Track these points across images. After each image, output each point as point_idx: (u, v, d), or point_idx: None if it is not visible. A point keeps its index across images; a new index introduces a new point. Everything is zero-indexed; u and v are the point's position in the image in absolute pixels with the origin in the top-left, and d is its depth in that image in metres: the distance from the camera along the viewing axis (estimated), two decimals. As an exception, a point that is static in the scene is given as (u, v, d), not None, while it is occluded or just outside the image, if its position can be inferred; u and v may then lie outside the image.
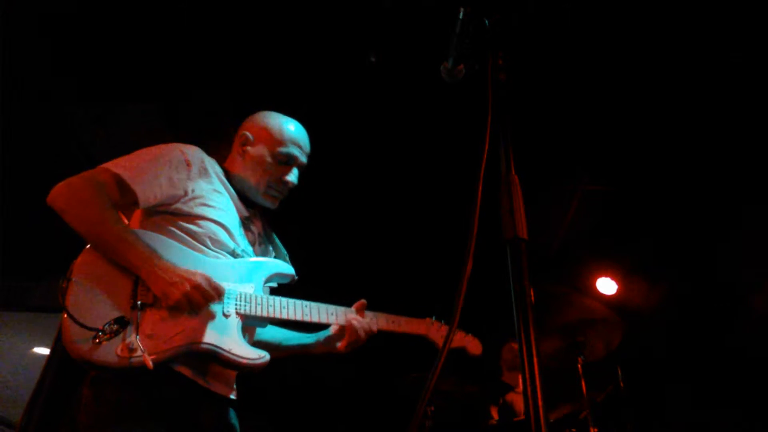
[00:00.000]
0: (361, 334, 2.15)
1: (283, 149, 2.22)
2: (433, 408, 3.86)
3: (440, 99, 3.83)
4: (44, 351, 4.48)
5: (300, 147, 2.27)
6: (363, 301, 2.25)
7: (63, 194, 1.87)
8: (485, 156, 1.33)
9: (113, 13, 3.58)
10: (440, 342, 2.37)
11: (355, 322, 2.16)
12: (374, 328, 2.21)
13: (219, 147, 2.34)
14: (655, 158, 4.61)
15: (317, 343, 2.26)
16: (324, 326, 2.22)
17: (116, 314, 1.73)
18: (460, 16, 1.50)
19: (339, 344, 2.20)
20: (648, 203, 4.99)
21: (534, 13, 3.44)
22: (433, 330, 2.39)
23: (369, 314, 2.24)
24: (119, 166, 1.94)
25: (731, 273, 5.12)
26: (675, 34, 3.70)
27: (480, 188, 1.30)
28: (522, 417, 3.62)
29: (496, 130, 1.34)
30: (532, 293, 1.13)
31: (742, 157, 4.46)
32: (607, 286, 5.57)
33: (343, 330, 2.19)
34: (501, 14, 1.50)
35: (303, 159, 2.29)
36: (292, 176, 2.25)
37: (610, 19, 3.66)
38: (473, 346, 2.53)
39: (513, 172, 1.28)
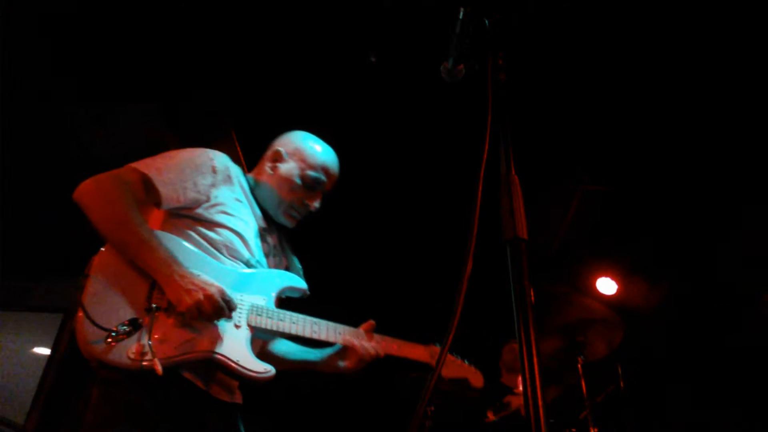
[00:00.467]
0: (366, 357, 2.13)
1: (312, 173, 2.24)
2: (433, 408, 3.86)
3: (440, 99, 3.83)
4: (44, 351, 4.48)
5: (329, 175, 2.29)
6: (372, 321, 2.23)
7: (90, 191, 1.87)
8: (485, 156, 1.33)
9: (113, 13, 3.58)
10: (442, 371, 2.32)
11: (360, 345, 2.14)
12: (380, 352, 2.18)
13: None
14: (654, 158, 4.60)
15: (321, 361, 2.24)
16: (331, 344, 2.19)
17: (130, 315, 1.74)
18: (460, 16, 1.50)
19: (343, 365, 2.18)
20: (648, 203, 4.98)
21: (534, 13, 3.44)
22: (436, 358, 2.34)
23: (375, 337, 2.22)
24: (147, 166, 1.94)
25: (731, 273, 5.12)
26: (675, 33, 3.70)
27: (480, 188, 1.30)
28: (509, 412, 3.60)
29: (496, 130, 1.34)
30: (532, 293, 1.13)
31: (742, 157, 4.45)
32: (607, 286, 5.56)
33: (348, 350, 2.16)
34: (501, 14, 1.50)
35: (329, 187, 2.31)
36: (316, 202, 2.27)
37: (610, 19, 3.66)
38: (475, 378, 2.48)
39: (513, 172, 1.28)
